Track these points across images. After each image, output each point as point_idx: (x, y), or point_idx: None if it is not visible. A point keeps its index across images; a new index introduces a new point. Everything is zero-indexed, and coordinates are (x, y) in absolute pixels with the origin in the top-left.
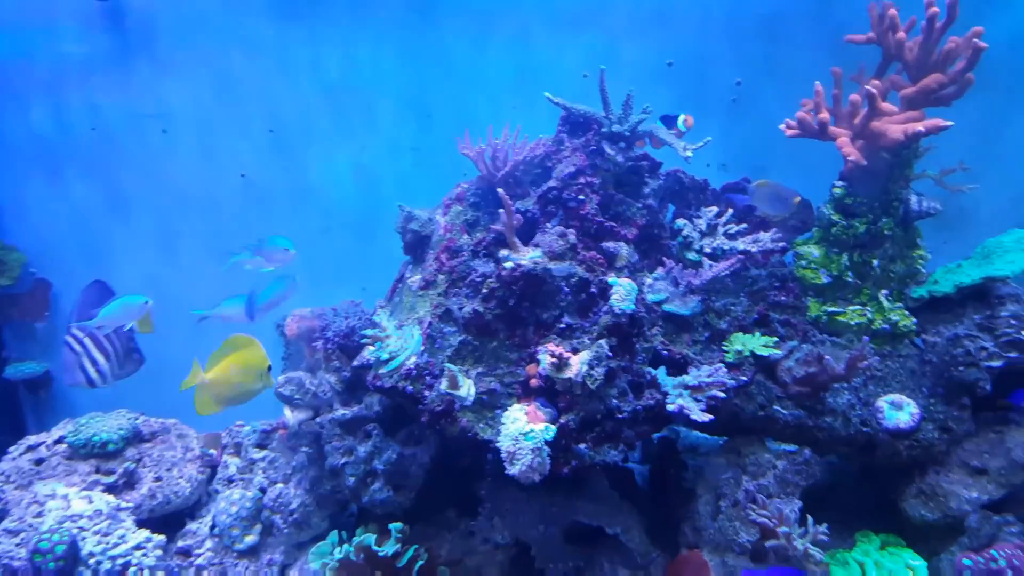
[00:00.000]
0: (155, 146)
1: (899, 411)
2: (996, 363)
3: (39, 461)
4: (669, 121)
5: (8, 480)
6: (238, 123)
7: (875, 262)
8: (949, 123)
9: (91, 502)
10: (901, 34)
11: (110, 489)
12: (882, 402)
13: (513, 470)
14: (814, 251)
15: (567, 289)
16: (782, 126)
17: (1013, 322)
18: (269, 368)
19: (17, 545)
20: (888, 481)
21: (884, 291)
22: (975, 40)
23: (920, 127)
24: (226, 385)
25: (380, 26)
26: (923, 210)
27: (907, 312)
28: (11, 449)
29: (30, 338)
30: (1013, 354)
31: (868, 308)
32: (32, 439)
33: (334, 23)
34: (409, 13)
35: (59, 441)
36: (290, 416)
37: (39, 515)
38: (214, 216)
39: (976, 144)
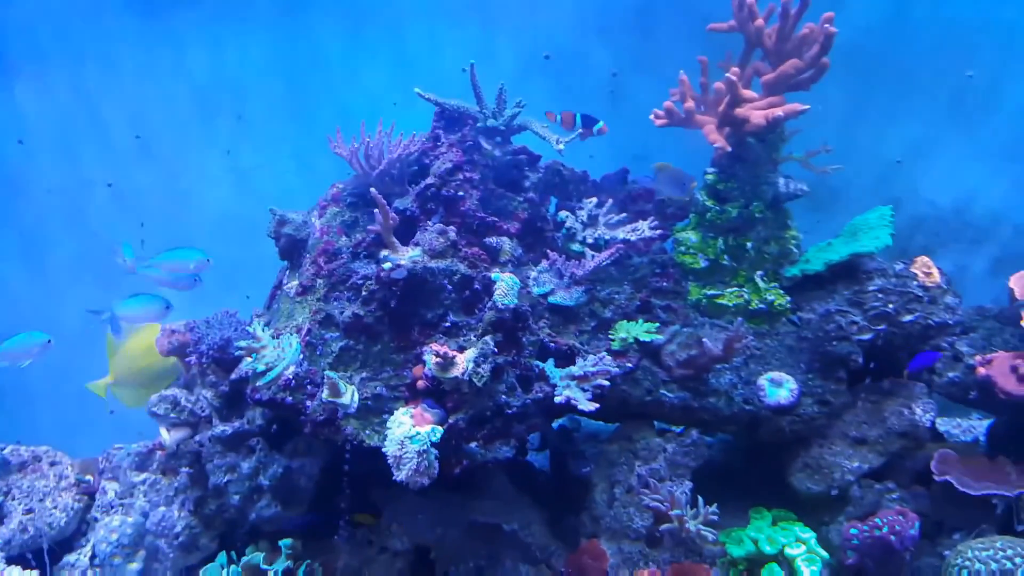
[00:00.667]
0: (11, 158)
1: (779, 388)
2: (866, 336)
3: None
4: (589, 121)
5: None
6: (101, 130)
7: (749, 244)
8: (806, 107)
9: None
10: (759, 21)
11: None
12: (763, 380)
13: (400, 475)
14: (692, 237)
15: (450, 287)
16: (651, 116)
17: (880, 296)
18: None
19: None
20: (776, 457)
21: (759, 272)
22: (827, 26)
23: (780, 112)
24: (136, 371)
25: (249, 24)
26: (791, 192)
27: (782, 291)
28: None
29: None
30: (882, 326)
31: (745, 289)
32: None
33: (198, 23)
34: (277, 11)
35: None
36: (167, 436)
37: None
38: (82, 228)
39: (841, 126)
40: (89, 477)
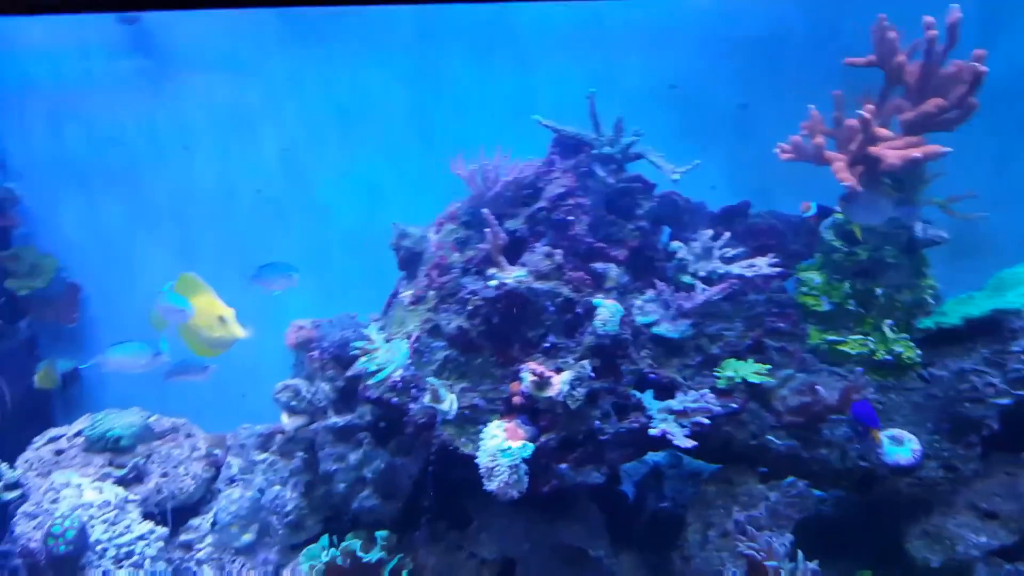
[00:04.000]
0: (176, 161)
1: (899, 446)
2: (1005, 400)
3: (59, 452)
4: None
5: (31, 468)
6: (254, 140)
7: (879, 290)
8: (947, 149)
9: (101, 492)
10: (901, 57)
11: (120, 482)
12: (882, 436)
13: (491, 486)
14: (816, 277)
15: (552, 308)
16: (776, 150)
17: None
18: (222, 317)
19: (34, 528)
20: (891, 520)
21: (888, 321)
22: (976, 64)
23: (918, 153)
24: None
25: (387, 50)
26: (929, 238)
27: (912, 343)
28: (36, 439)
29: (61, 337)
30: (1023, 392)
31: (871, 338)
32: (54, 431)
33: (344, 47)
34: (414, 38)
35: (78, 434)
36: (287, 421)
37: (55, 501)
38: (231, 227)
39: (991, 171)
40: (218, 451)
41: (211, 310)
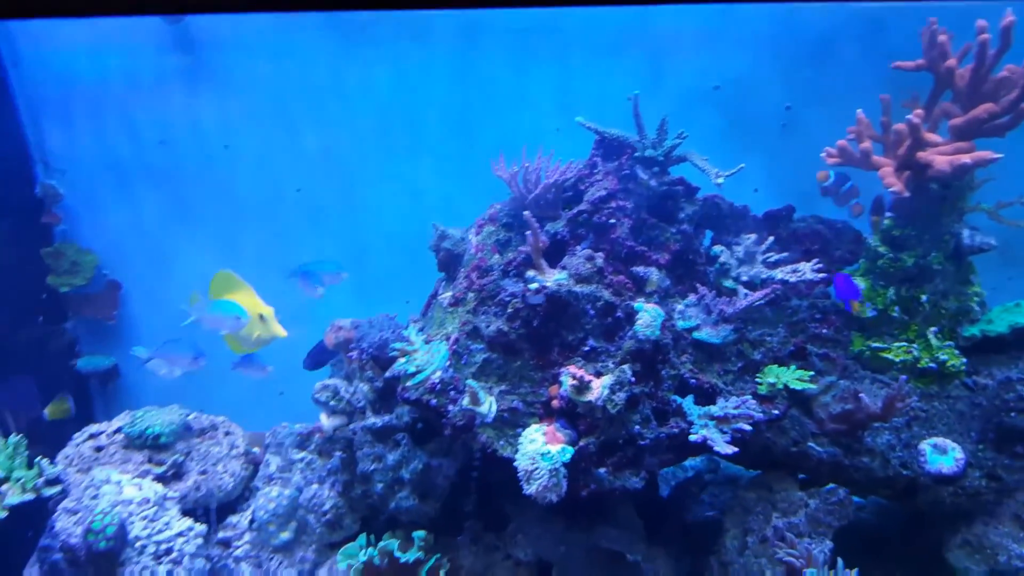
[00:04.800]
0: (217, 160)
1: (943, 455)
2: None
3: (99, 448)
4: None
5: (71, 463)
6: (294, 139)
7: (924, 297)
8: (998, 155)
9: (141, 489)
10: (952, 61)
11: (160, 479)
12: (925, 445)
13: (530, 489)
14: (860, 283)
15: (592, 312)
16: (823, 154)
17: None
18: (261, 316)
19: (74, 524)
20: (931, 529)
21: (933, 328)
22: None
23: (967, 159)
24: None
25: (428, 49)
26: (976, 245)
27: (957, 351)
28: (75, 436)
29: (101, 334)
30: None
31: (915, 345)
32: (94, 427)
33: (385, 46)
34: (456, 37)
35: (117, 431)
36: (325, 421)
37: (95, 497)
38: (271, 227)
39: None
40: (256, 449)
41: (251, 309)
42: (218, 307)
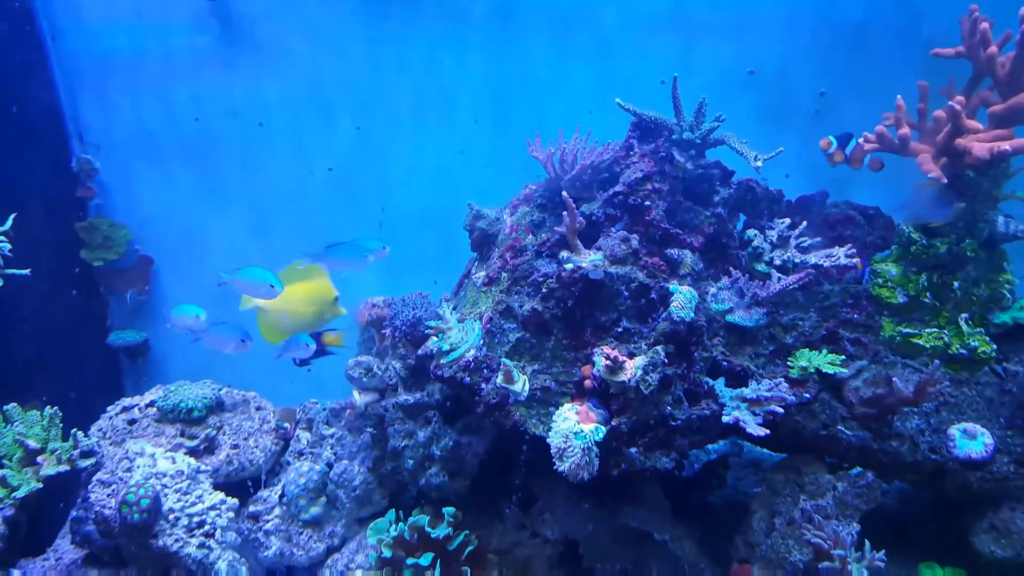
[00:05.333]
0: (252, 138)
1: (972, 440)
2: None
3: (132, 422)
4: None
5: (105, 436)
6: (328, 119)
7: (956, 284)
8: None
9: (174, 462)
10: (992, 49)
11: (192, 452)
12: (954, 430)
13: (562, 467)
14: (892, 269)
15: (626, 293)
16: (860, 140)
17: None
18: (336, 298)
19: (108, 495)
20: (957, 514)
21: (964, 315)
22: None
23: (1007, 146)
24: (292, 315)
25: (464, 29)
26: (1010, 233)
27: (987, 338)
28: (109, 408)
29: (132, 309)
30: None
31: (946, 332)
32: (127, 401)
33: (421, 25)
34: (492, 17)
35: (150, 405)
36: (358, 397)
37: (128, 470)
38: (303, 205)
39: None
40: (287, 424)
41: (325, 295)
42: (251, 273)
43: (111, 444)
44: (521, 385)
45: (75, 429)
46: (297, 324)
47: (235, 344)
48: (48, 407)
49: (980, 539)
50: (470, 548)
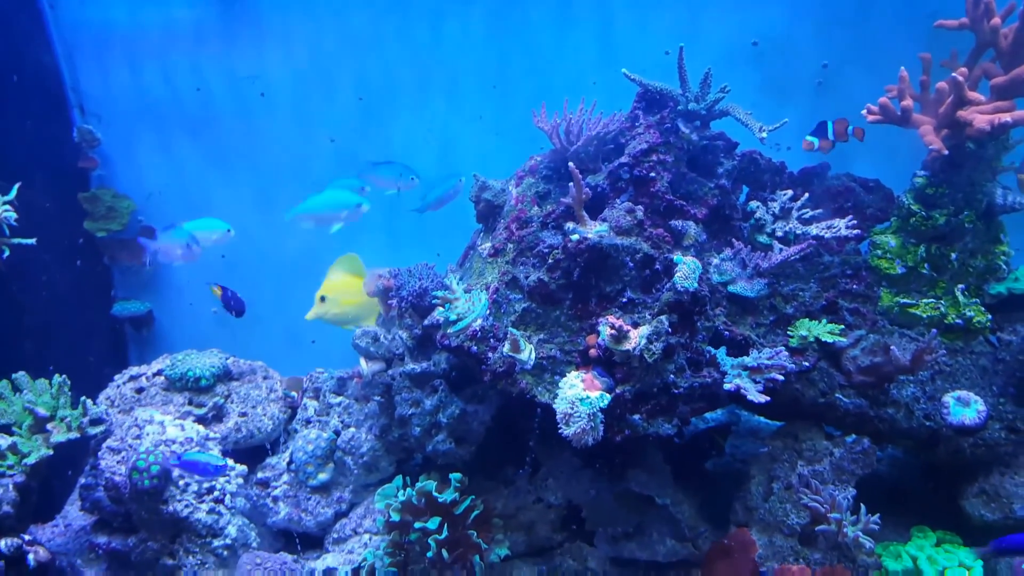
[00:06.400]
0: (254, 108)
1: (965, 407)
2: None
3: (140, 390)
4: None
5: (113, 404)
6: (330, 89)
7: (953, 255)
8: None
9: (183, 430)
10: (996, 20)
11: (200, 420)
12: (948, 397)
13: (568, 432)
14: (891, 240)
15: (631, 264)
16: (864, 112)
17: None
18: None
19: (118, 462)
20: (949, 480)
21: (960, 285)
22: None
23: (1008, 118)
24: (341, 310)
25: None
26: (1008, 204)
27: (983, 308)
28: (116, 377)
29: (136, 279)
30: None
31: (942, 302)
32: (135, 370)
33: None
34: None
35: (158, 374)
36: (365, 366)
37: (138, 437)
38: (305, 176)
39: None
40: (294, 393)
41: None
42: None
43: (119, 412)
44: (527, 354)
45: (84, 397)
46: (358, 315)
47: (183, 251)
48: (57, 375)
49: (970, 503)
50: (476, 512)
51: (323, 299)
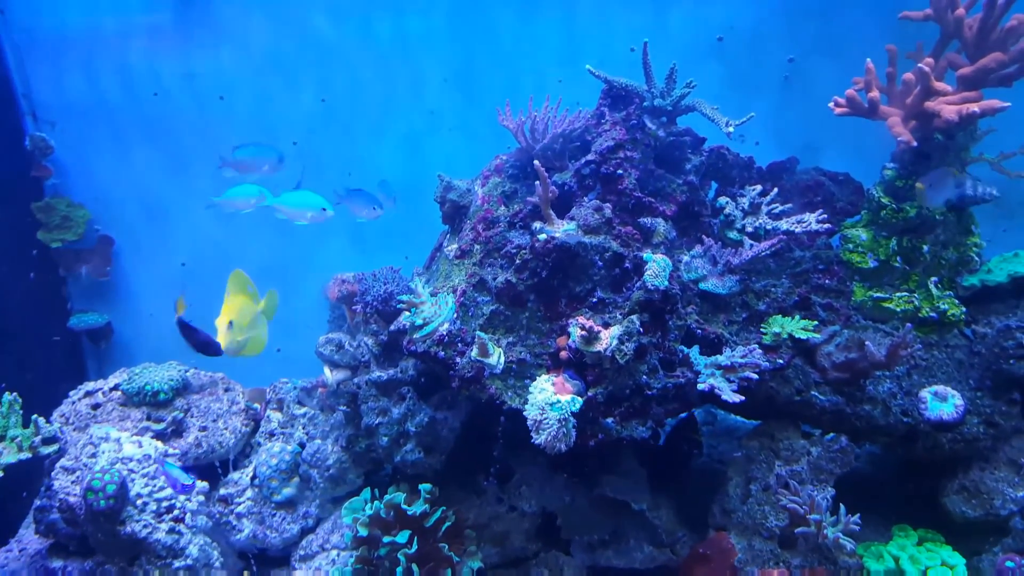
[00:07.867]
0: (213, 112)
1: (943, 402)
2: None
3: (96, 406)
4: None
5: (68, 422)
6: (292, 91)
7: (925, 248)
8: (1006, 104)
9: (141, 446)
10: (960, 11)
11: (159, 436)
12: (925, 392)
13: (539, 439)
14: (862, 234)
15: (601, 263)
16: (831, 104)
17: None
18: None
19: (72, 482)
20: (928, 476)
21: (934, 278)
22: None
23: (975, 108)
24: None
25: None
26: (978, 195)
27: (957, 301)
28: (71, 393)
29: (93, 291)
30: None
31: (916, 295)
32: (90, 385)
33: None
34: None
35: (115, 388)
36: (329, 375)
37: (93, 455)
38: (267, 180)
39: None
40: (257, 405)
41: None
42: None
43: (74, 430)
44: (496, 358)
45: (36, 415)
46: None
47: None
48: (7, 393)
49: (951, 500)
50: (447, 524)
51: (231, 325)
